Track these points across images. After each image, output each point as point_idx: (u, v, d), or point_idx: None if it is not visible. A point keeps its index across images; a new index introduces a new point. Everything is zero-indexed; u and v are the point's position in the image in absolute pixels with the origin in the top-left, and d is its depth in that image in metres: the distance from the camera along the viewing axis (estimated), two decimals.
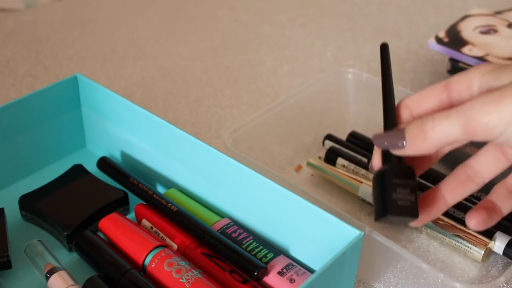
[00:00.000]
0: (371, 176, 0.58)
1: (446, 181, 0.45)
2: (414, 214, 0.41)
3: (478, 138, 0.39)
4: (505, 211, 0.45)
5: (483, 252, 0.51)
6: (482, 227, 0.44)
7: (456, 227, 0.52)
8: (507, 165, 0.44)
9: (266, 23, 0.89)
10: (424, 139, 0.40)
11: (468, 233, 0.52)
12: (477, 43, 0.68)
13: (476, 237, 0.51)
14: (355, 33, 0.86)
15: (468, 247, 0.51)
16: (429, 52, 0.79)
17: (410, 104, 0.44)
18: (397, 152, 0.42)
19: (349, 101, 0.66)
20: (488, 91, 0.39)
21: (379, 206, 0.41)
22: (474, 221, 0.44)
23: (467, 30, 0.70)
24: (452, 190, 0.44)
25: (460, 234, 0.52)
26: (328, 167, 0.60)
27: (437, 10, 0.91)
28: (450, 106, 0.42)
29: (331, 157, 0.60)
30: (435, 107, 0.43)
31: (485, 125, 0.37)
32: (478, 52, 0.66)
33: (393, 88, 0.45)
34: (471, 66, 0.67)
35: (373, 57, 0.80)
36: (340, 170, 0.59)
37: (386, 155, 0.43)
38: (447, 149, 0.44)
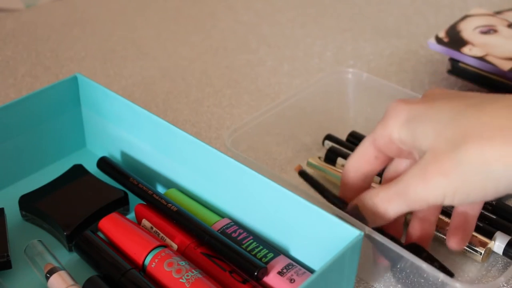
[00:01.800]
0: None
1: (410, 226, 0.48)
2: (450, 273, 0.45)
3: (423, 208, 0.43)
4: (474, 222, 0.47)
5: (483, 252, 0.51)
6: (463, 245, 0.47)
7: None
8: None
9: (266, 23, 0.89)
10: (381, 218, 0.44)
11: None
12: (477, 43, 0.68)
13: (476, 237, 0.51)
14: (355, 33, 0.86)
15: (468, 247, 0.51)
16: (429, 52, 0.79)
17: (352, 167, 0.47)
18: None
19: (349, 101, 0.66)
20: (416, 165, 0.40)
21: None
22: (455, 241, 0.46)
23: (467, 30, 0.70)
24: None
25: None
26: (328, 167, 0.60)
27: (437, 10, 0.91)
28: (386, 159, 0.45)
29: (331, 157, 0.60)
30: (373, 166, 0.46)
31: (425, 201, 0.40)
32: (478, 52, 0.66)
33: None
34: (471, 66, 0.67)
35: (373, 57, 0.80)
36: (340, 170, 0.59)
37: None
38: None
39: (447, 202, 0.39)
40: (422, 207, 0.42)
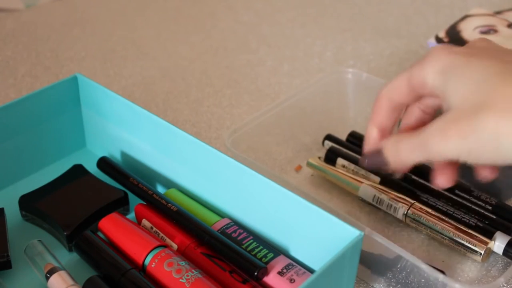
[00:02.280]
0: (371, 176, 0.58)
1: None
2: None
3: (442, 161, 0.44)
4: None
5: (483, 252, 0.51)
6: (451, 183, 0.47)
7: (456, 227, 0.52)
8: None
9: (266, 23, 0.89)
10: (400, 163, 0.45)
11: (468, 233, 0.52)
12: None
13: (477, 237, 0.51)
14: (355, 33, 0.86)
15: (468, 247, 0.51)
16: None
17: (385, 95, 0.48)
18: (382, 170, 0.47)
19: (349, 101, 0.66)
20: (439, 119, 0.41)
21: None
22: (442, 179, 0.47)
23: (467, 30, 0.70)
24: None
25: (460, 234, 0.52)
26: (328, 167, 0.60)
27: (437, 10, 0.91)
28: (417, 97, 0.46)
29: (331, 157, 0.60)
30: (404, 98, 0.47)
31: (444, 155, 0.41)
32: None
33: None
34: None
35: (373, 57, 0.80)
36: (340, 170, 0.59)
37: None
38: None
39: (462, 160, 0.41)
40: (439, 161, 0.44)
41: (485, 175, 0.46)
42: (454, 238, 0.52)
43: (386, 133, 0.48)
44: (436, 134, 0.41)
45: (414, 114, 0.48)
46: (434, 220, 0.53)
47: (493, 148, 0.39)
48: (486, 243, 0.51)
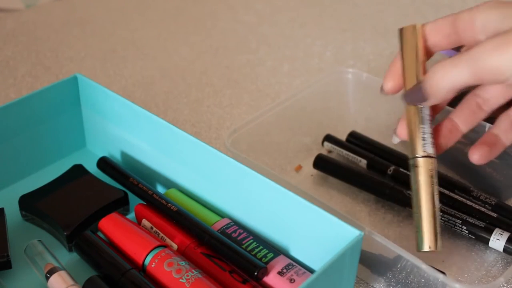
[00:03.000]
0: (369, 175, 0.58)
1: (458, 111, 0.48)
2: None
3: (487, 82, 0.41)
4: (507, 143, 0.47)
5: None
6: (484, 161, 0.47)
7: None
8: None
9: (266, 23, 0.89)
10: (443, 87, 0.42)
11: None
12: None
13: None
14: (355, 33, 0.86)
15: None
16: None
17: (425, 32, 0.47)
18: (422, 105, 0.45)
19: (349, 101, 0.66)
20: (494, 35, 0.40)
21: None
22: (477, 155, 0.47)
23: None
24: (465, 119, 0.48)
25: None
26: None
27: (437, 10, 0.91)
28: (455, 42, 0.45)
29: (320, 164, 0.60)
30: (441, 42, 0.46)
31: (494, 71, 0.39)
32: None
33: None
34: None
35: (373, 57, 0.80)
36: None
37: None
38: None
39: (509, 83, 0.39)
40: (486, 79, 0.40)
41: (476, 159, 0.47)
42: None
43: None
44: (490, 47, 0.39)
45: (469, 106, 0.47)
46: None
47: None
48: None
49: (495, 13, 0.42)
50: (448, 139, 0.48)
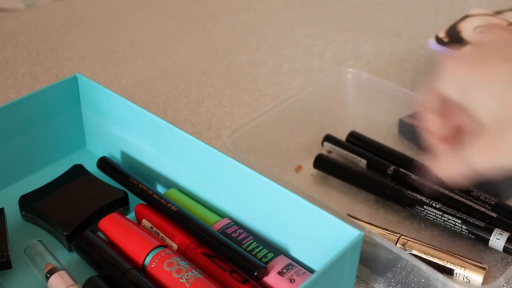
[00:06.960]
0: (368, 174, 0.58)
1: None
2: None
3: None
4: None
5: (482, 279, 0.49)
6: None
7: (451, 256, 0.50)
8: None
9: (266, 23, 0.89)
10: (452, 180, 0.45)
11: (463, 260, 0.50)
12: (477, 43, 0.68)
13: (473, 264, 0.49)
14: (355, 33, 0.86)
15: (466, 276, 0.49)
16: (429, 52, 0.79)
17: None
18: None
19: (348, 101, 0.66)
20: (476, 142, 0.42)
21: None
22: None
23: (467, 30, 0.70)
24: None
25: (455, 261, 0.50)
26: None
27: (437, 10, 0.91)
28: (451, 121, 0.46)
29: (320, 164, 0.60)
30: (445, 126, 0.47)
31: (484, 170, 0.42)
32: None
33: None
34: None
35: (373, 57, 0.80)
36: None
37: None
38: None
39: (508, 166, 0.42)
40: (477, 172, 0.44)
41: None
42: (449, 266, 0.50)
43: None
44: (479, 154, 0.42)
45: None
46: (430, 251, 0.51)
47: None
48: (484, 268, 0.49)
49: (461, 94, 0.42)
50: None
